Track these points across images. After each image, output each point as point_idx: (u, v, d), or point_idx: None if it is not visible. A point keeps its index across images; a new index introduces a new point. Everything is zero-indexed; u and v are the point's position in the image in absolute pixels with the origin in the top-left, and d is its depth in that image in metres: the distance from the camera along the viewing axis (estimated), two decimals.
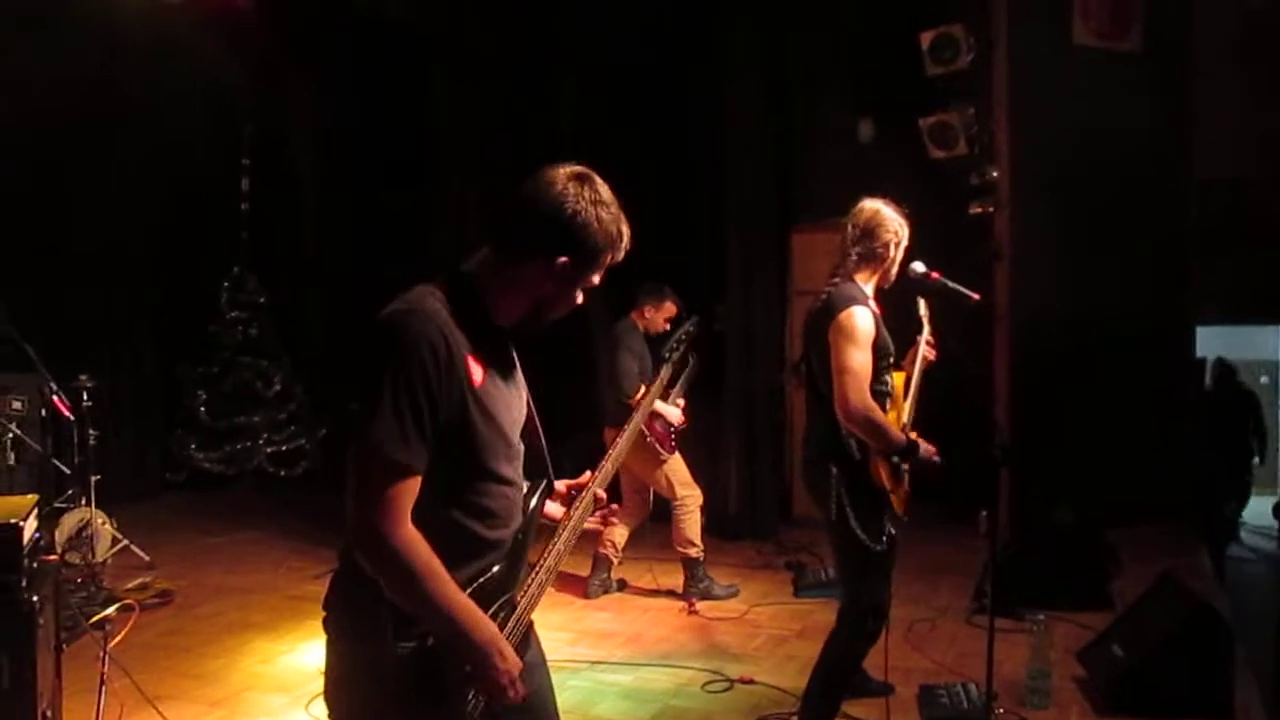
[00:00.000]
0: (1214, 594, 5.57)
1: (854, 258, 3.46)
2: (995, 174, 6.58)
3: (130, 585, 5.73)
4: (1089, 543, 5.66)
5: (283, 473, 8.71)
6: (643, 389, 5.53)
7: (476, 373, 1.83)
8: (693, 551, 5.62)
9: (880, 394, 3.38)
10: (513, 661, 1.82)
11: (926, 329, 3.75)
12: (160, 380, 8.64)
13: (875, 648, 4.00)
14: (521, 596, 1.94)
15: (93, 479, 5.73)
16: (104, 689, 3.53)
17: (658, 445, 5.56)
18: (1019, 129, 6.60)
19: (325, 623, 1.89)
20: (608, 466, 2.21)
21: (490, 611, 1.85)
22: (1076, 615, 5.03)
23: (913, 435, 3.43)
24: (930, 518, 7.03)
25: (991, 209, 6.66)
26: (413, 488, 1.75)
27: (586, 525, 2.14)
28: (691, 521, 5.61)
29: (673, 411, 5.67)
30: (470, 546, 1.86)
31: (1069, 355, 6.73)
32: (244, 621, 5.29)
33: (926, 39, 6.45)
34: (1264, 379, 12.53)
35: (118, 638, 3.68)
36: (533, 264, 1.89)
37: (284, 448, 8.76)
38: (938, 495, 6.95)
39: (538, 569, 1.98)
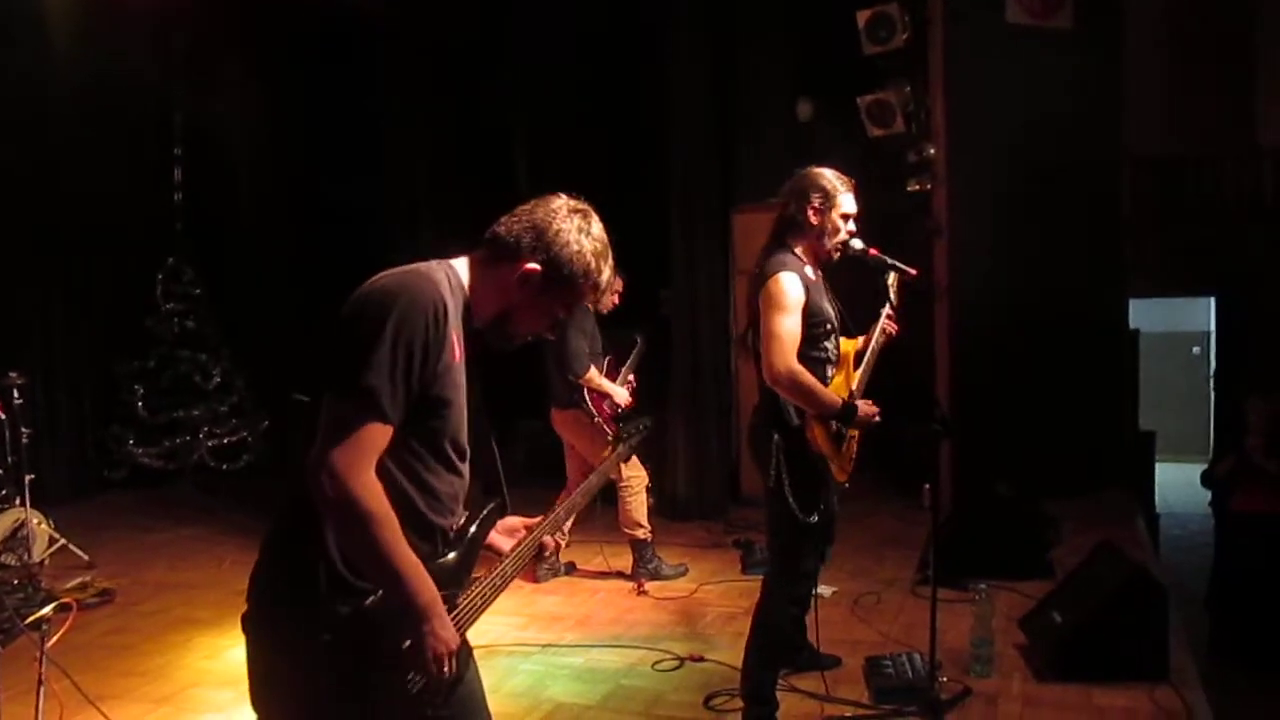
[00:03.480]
0: (1150, 560, 5.72)
1: (782, 222, 3.48)
2: (932, 151, 6.65)
3: (70, 585, 5.61)
4: (1029, 513, 5.78)
5: (225, 466, 8.58)
6: (592, 369, 5.54)
7: (457, 350, 1.86)
8: (640, 533, 5.64)
9: (817, 360, 3.40)
10: (451, 634, 1.81)
11: (891, 302, 3.75)
12: (95, 376, 8.45)
13: (821, 621, 4.08)
14: (463, 599, 1.95)
15: (27, 478, 5.61)
16: (42, 690, 3.46)
17: (605, 426, 5.57)
18: (955, 106, 6.67)
19: (247, 617, 1.85)
20: (560, 513, 2.23)
21: None
22: (1018, 584, 5.12)
23: (858, 402, 3.44)
24: (874, 492, 7.15)
25: (929, 186, 6.73)
26: (385, 440, 1.77)
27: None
28: (637, 503, 5.62)
29: (620, 393, 5.68)
30: (411, 519, 1.85)
31: (1008, 329, 6.84)
32: (188, 618, 5.21)
33: (863, 18, 6.49)
34: (1195, 350, 12.84)
35: (55, 638, 3.60)
36: (507, 267, 1.93)
37: (225, 441, 8.62)
38: (881, 469, 7.07)
39: (482, 585, 2.01)
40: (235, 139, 9.00)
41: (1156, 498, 8.29)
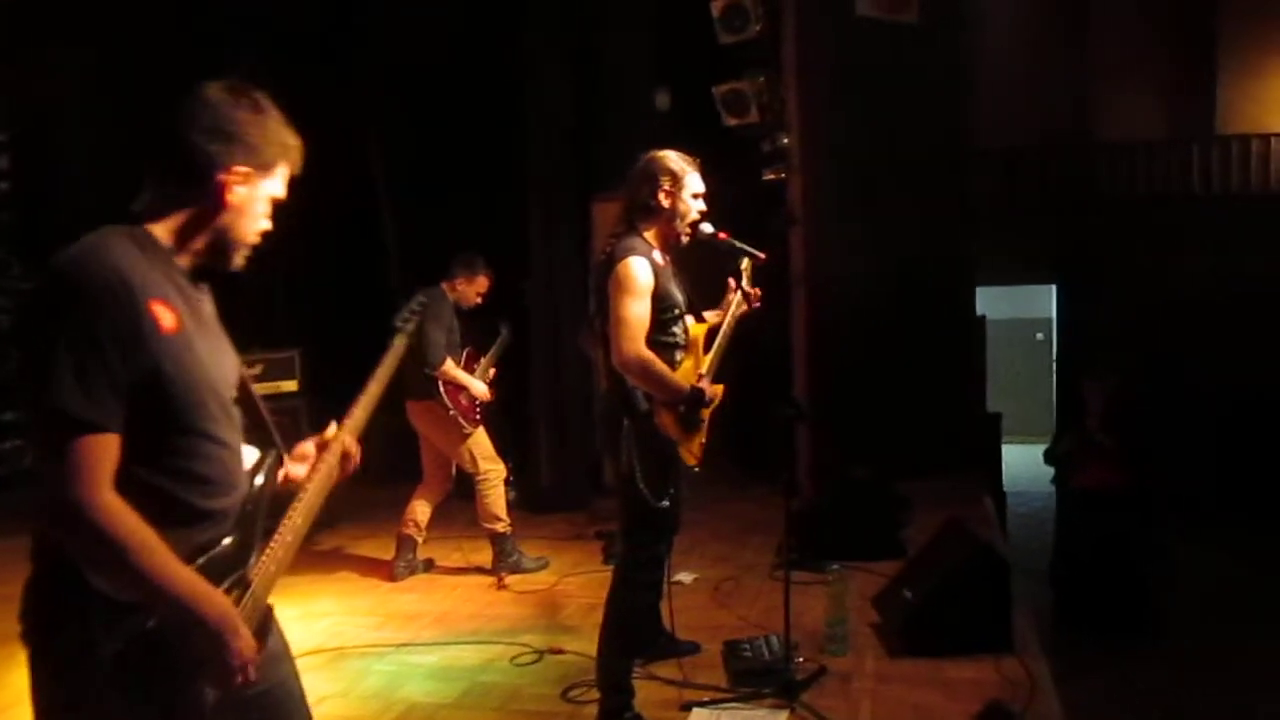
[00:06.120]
0: (996, 537, 5.92)
1: (631, 208, 3.45)
2: (786, 140, 6.73)
3: None
4: (883, 494, 5.90)
5: None
6: (449, 361, 5.41)
7: (166, 319, 1.65)
8: (499, 526, 5.55)
9: (667, 345, 3.40)
10: (247, 641, 1.68)
11: (743, 288, 3.75)
12: None
13: (682, 607, 4.07)
14: (255, 574, 1.79)
15: None
16: None
17: (461, 419, 5.45)
18: (808, 97, 6.76)
19: (23, 636, 1.67)
20: (358, 413, 2.08)
21: (221, 589, 1.70)
22: (873, 564, 5.20)
23: (704, 385, 3.44)
24: (735, 478, 7.22)
25: (784, 175, 6.81)
26: (110, 449, 1.57)
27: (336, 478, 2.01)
28: (496, 496, 5.53)
29: (478, 385, 5.57)
30: (184, 516, 1.69)
31: (862, 316, 6.99)
32: (16, 632, 4.86)
33: (717, 7, 6.52)
34: (1039, 335, 13.42)
35: None
36: (205, 185, 1.76)
37: None
38: (742, 455, 7.15)
39: (274, 539, 1.84)
40: (69, 125, 8.46)
41: (1004, 477, 8.62)
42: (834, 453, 6.33)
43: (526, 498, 7.07)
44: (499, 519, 5.54)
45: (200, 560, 1.68)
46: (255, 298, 7.93)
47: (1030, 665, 3.97)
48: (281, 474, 1.99)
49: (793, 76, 6.72)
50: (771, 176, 6.90)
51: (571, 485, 7.25)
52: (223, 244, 1.81)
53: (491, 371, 5.77)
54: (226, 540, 1.75)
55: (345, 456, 2.04)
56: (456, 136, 7.92)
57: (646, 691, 3.73)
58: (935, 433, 7.04)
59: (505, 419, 6.61)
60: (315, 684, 4.13)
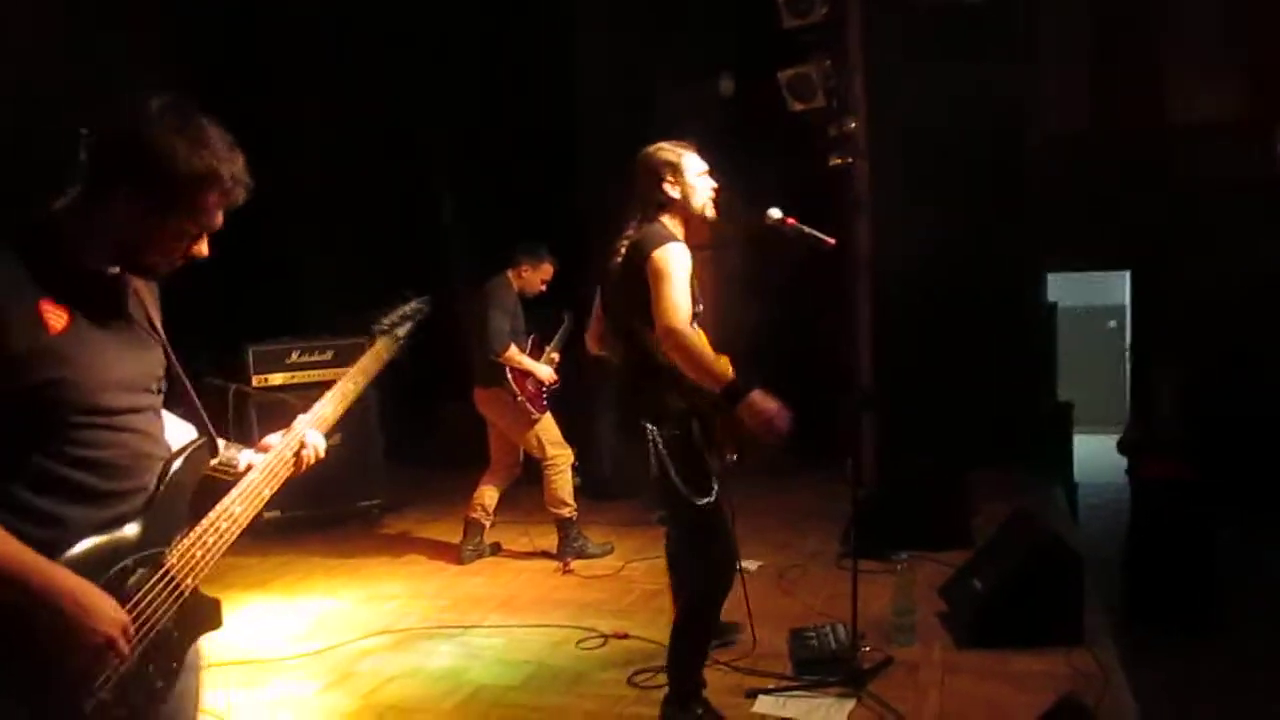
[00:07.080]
0: (1066, 526, 5.83)
1: (645, 205, 3.37)
2: (853, 125, 6.65)
3: None
4: (950, 483, 5.83)
5: None
6: (513, 347, 5.46)
7: (56, 319, 1.65)
8: (565, 511, 5.59)
9: None
10: (101, 613, 1.60)
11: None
12: None
13: (743, 596, 4.06)
14: (174, 556, 1.76)
15: None
16: None
17: (529, 405, 5.50)
18: (873, 81, 6.68)
19: None
20: (322, 409, 2.06)
21: (115, 568, 1.66)
22: (939, 554, 5.16)
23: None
24: (795, 466, 7.18)
25: (850, 160, 6.73)
26: None
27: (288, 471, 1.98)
28: (563, 481, 5.57)
29: (544, 370, 5.61)
30: (85, 495, 1.69)
31: (928, 303, 6.91)
32: None
33: None
34: (1112, 323, 13.12)
35: None
36: (111, 197, 1.68)
37: None
38: (795, 442, 7.08)
39: (204, 524, 1.82)
40: None
41: (1076, 467, 8.46)
42: (900, 441, 6.27)
43: (589, 485, 7.11)
44: (565, 504, 5.58)
45: (96, 539, 1.67)
46: (325, 288, 8.07)
47: (1101, 657, 3.91)
48: (244, 464, 1.98)
49: (858, 60, 6.64)
50: (838, 161, 6.82)
51: (633, 471, 7.25)
52: (130, 261, 1.77)
53: (555, 357, 5.81)
54: (133, 522, 1.73)
55: (301, 449, 2.00)
56: (516, 129, 7.97)
57: (712, 679, 3.71)
58: (1005, 422, 6.94)
59: (567, 406, 6.64)
60: (383, 663, 4.21)
